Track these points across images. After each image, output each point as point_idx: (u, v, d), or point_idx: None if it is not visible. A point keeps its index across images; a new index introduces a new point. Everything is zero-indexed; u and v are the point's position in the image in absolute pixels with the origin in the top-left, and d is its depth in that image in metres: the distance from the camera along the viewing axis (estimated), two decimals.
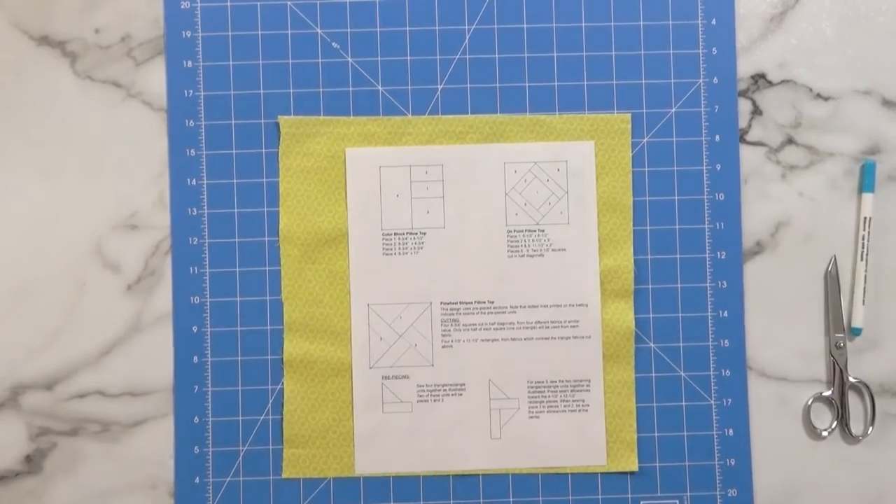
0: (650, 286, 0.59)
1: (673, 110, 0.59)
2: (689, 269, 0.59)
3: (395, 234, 0.58)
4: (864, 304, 0.58)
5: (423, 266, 0.58)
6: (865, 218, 0.59)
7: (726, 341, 0.58)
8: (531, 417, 0.58)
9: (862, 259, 0.58)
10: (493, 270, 0.58)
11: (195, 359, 0.58)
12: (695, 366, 0.58)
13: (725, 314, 0.59)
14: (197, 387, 0.58)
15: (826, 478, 0.59)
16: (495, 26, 0.59)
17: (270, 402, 0.58)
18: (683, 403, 0.58)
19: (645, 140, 0.59)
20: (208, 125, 0.59)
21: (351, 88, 0.59)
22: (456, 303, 0.58)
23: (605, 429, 0.58)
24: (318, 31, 0.59)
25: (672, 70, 0.59)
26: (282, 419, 0.58)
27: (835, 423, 0.59)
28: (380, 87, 0.59)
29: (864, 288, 0.58)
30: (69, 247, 0.59)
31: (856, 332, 0.59)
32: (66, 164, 0.59)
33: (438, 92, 0.59)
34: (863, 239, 0.58)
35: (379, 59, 0.59)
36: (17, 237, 0.59)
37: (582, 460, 0.58)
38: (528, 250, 0.58)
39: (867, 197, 0.59)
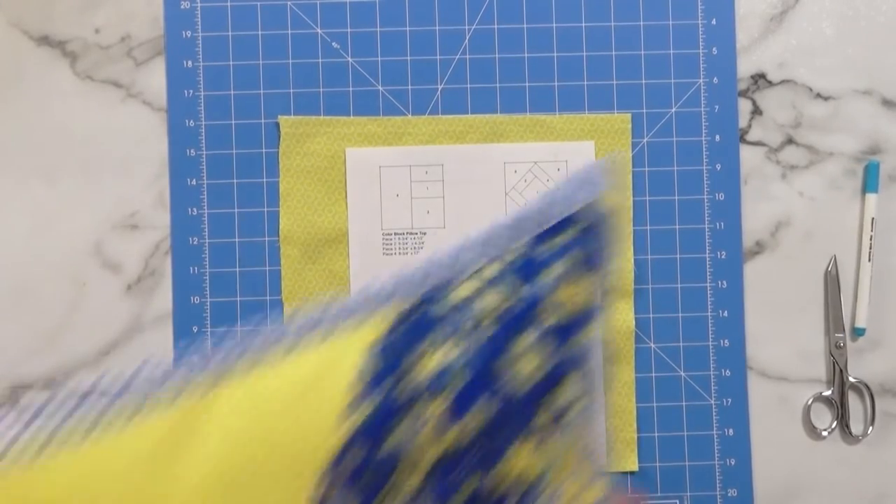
0: (650, 286, 0.58)
1: (673, 110, 0.59)
2: (689, 269, 0.58)
3: (395, 234, 0.58)
4: (868, 304, 0.58)
5: None
6: (872, 219, 0.58)
7: (726, 341, 0.58)
8: None
9: (869, 260, 0.58)
10: None
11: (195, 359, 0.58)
12: (695, 366, 0.58)
13: (725, 314, 0.59)
14: None
15: (826, 478, 0.59)
16: (495, 26, 0.59)
17: None
18: (683, 403, 0.58)
19: (645, 140, 0.59)
20: (208, 125, 0.59)
21: (351, 88, 0.59)
22: None
23: (605, 429, 0.58)
24: (318, 31, 0.59)
25: (672, 70, 0.59)
26: None
27: (835, 423, 0.59)
28: (380, 87, 0.59)
29: (870, 289, 0.58)
30: (69, 247, 0.59)
31: (859, 333, 0.59)
32: (65, 164, 0.59)
33: (438, 92, 0.59)
34: (870, 240, 0.58)
35: (379, 59, 0.59)
36: (17, 237, 0.59)
37: None
38: None
39: (871, 197, 0.59)
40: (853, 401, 0.59)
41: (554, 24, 0.59)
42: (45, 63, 0.59)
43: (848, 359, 0.59)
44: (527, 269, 0.31)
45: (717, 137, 0.59)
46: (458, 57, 0.59)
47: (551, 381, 0.30)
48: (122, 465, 0.27)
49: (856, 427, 0.59)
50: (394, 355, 0.28)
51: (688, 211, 0.59)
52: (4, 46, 0.59)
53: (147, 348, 0.58)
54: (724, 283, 0.59)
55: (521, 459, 0.28)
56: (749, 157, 0.59)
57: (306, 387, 0.28)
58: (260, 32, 0.59)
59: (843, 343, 0.59)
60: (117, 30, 0.59)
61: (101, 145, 0.59)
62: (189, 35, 0.59)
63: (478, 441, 0.28)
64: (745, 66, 0.60)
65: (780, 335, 0.59)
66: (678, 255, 0.59)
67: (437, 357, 0.28)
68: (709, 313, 0.58)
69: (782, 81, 0.60)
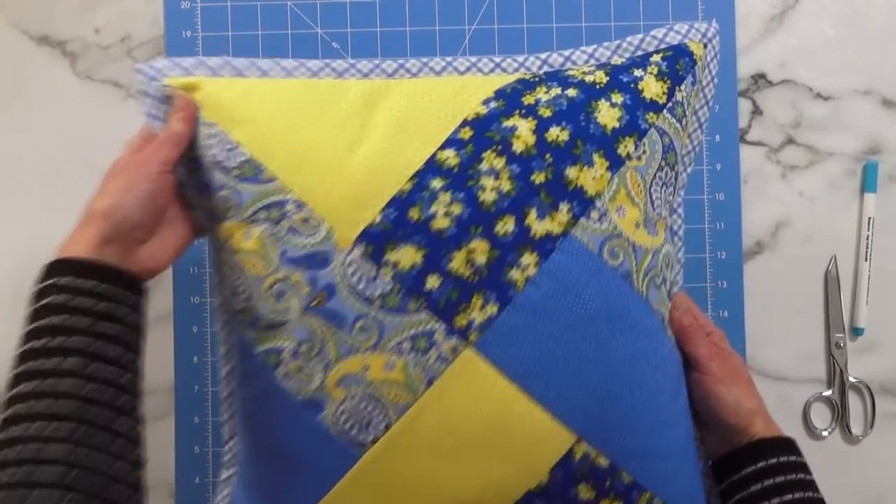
0: None
1: None
2: (689, 269, 0.58)
3: None
4: (867, 304, 0.59)
5: None
6: (870, 218, 0.59)
7: None
8: None
9: (866, 259, 0.58)
10: None
11: (195, 359, 0.58)
12: None
13: (725, 314, 0.59)
14: (197, 387, 0.58)
15: (826, 478, 0.59)
16: (495, 26, 0.59)
17: None
18: None
19: None
20: None
21: None
22: None
23: None
24: (319, 31, 0.59)
25: None
26: None
27: (835, 423, 0.59)
28: None
29: (868, 288, 0.58)
30: None
31: (858, 332, 0.59)
32: (66, 165, 0.59)
33: None
34: (867, 239, 0.58)
35: (379, 59, 0.59)
36: (17, 237, 0.59)
37: None
38: None
39: (870, 197, 0.59)
40: (853, 401, 0.59)
41: (554, 24, 0.59)
42: (45, 63, 0.59)
43: (848, 359, 0.59)
44: (620, 69, 0.46)
45: (717, 137, 0.59)
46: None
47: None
48: (332, 101, 0.45)
49: (856, 427, 0.59)
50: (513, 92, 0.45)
51: (688, 211, 0.58)
52: (4, 46, 0.59)
53: (147, 348, 0.58)
54: (724, 283, 0.59)
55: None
56: (749, 157, 0.59)
57: (457, 87, 0.45)
58: (260, 32, 0.59)
59: (842, 343, 0.59)
60: (117, 30, 0.59)
61: (101, 145, 0.59)
62: (189, 35, 0.59)
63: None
64: (745, 66, 0.60)
65: (780, 335, 0.59)
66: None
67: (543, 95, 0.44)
68: (709, 313, 0.58)
69: (782, 81, 0.60)
